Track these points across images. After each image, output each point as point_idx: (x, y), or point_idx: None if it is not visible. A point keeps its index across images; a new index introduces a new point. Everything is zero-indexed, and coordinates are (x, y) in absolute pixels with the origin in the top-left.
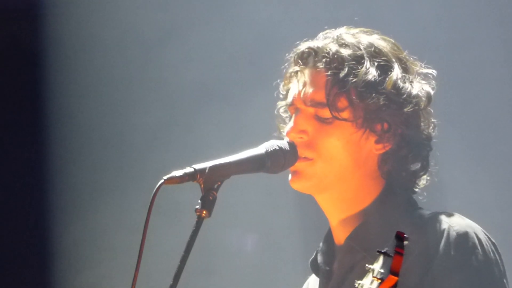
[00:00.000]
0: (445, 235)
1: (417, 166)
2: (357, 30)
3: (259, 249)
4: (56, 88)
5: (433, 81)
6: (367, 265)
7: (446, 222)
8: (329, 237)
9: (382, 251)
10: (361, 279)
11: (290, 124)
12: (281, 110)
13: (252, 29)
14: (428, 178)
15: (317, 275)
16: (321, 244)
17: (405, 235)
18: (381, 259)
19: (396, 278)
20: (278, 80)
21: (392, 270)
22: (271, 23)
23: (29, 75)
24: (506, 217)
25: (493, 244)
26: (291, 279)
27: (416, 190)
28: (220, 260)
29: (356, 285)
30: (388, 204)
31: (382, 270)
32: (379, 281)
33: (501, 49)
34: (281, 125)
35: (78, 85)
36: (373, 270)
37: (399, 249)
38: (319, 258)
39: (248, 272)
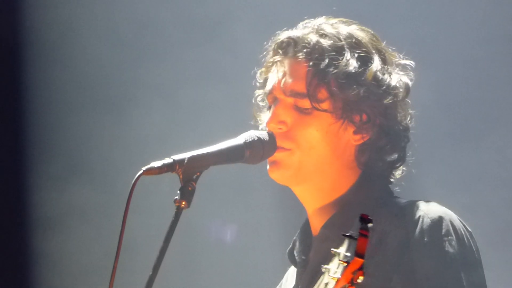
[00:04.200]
0: (419, 222)
1: (394, 157)
2: (335, 20)
3: (238, 240)
4: (34, 81)
5: (411, 72)
6: (332, 249)
7: (421, 210)
8: (306, 227)
9: (347, 234)
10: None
11: (269, 114)
12: (259, 98)
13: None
14: (404, 168)
15: (294, 265)
16: (297, 234)
17: (369, 217)
18: (346, 243)
19: (361, 260)
20: (255, 69)
21: (357, 252)
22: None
23: (6, 67)
24: (503, 216)
25: (468, 231)
26: (270, 270)
27: (392, 180)
28: (198, 251)
29: (323, 270)
30: (363, 192)
31: (348, 254)
32: (345, 264)
33: (501, 47)
34: (257, 113)
35: (56, 78)
36: (338, 254)
37: (364, 231)
38: (296, 248)
39: (227, 262)
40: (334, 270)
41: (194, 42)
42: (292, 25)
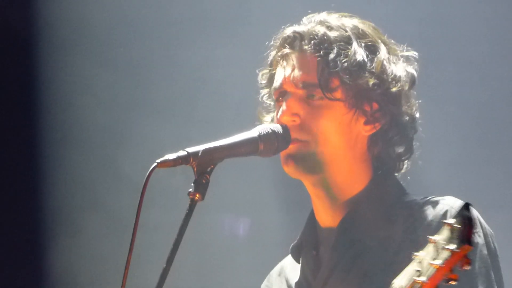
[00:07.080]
0: (448, 216)
1: (401, 149)
2: (337, 14)
3: (251, 234)
4: (48, 76)
5: (415, 63)
6: (429, 236)
7: (445, 204)
8: (312, 222)
9: (449, 222)
10: (364, 260)
11: (283, 107)
12: (264, 98)
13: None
14: (409, 163)
15: (297, 261)
16: (304, 230)
17: (470, 205)
18: (445, 231)
19: (470, 247)
20: (257, 70)
21: (466, 239)
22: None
23: (21, 61)
24: (503, 216)
25: (489, 231)
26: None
27: (397, 174)
28: (212, 244)
29: (413, 257)
30: (380, 189)
31: (447, 242)
32: (449, 251)
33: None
34: (262, 113)
35: (71, 74)
36: (437, 242)
37: (469, 219)
38: (305, 243)
39: (240, 256)
40: (432, 257)
41: (208, 39)
42: (292, 22)
